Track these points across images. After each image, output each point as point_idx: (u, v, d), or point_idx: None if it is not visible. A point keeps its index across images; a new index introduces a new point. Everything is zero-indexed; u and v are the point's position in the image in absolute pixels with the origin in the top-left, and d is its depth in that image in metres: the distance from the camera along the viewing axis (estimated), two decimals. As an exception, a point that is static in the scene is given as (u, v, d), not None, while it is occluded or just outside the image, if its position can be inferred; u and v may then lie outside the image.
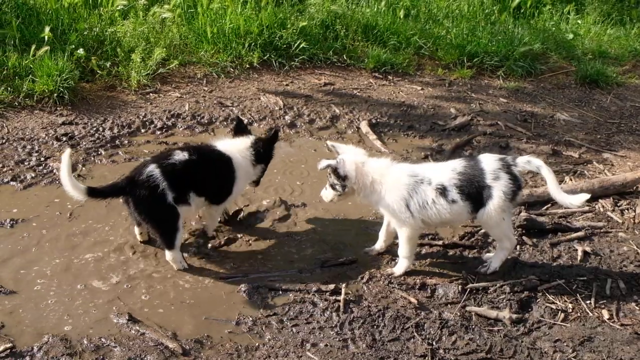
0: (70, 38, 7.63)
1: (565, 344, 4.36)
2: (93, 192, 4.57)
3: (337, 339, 4.28)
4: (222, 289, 4.69)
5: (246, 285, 4.67)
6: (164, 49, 7.95)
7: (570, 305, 4.73)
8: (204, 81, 8.06)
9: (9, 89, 7.07)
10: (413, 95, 8.37)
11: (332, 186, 4.78)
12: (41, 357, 3.97)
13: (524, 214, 5.68)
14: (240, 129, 5.28)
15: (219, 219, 5.36)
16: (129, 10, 8.53)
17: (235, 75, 8.28)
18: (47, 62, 7.08)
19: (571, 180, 6.47)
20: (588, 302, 4.76)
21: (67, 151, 4.43)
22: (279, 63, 8.56)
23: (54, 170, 5.98)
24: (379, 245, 5.15)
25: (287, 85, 8.23)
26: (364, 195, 4.74)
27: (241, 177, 5.10)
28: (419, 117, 7.82)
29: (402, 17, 9.73)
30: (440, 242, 5.34)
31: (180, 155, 4.73)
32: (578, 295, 4.83)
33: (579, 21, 11.56)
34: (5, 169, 5.97)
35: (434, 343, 4.31)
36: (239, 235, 5.30)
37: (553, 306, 4.70)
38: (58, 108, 7.06)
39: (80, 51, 7.48)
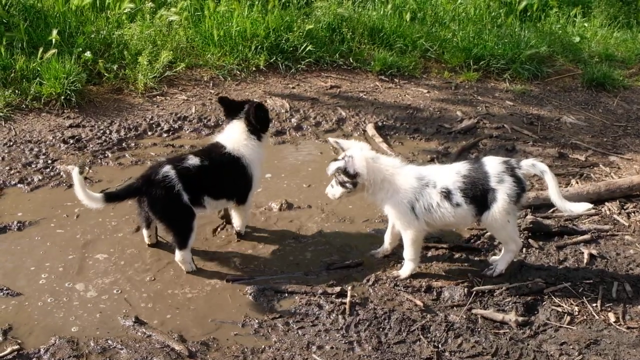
0: (78, 41, 7.67)
1: (571, 347, 4.35)
2: (110, 198, 4.61)
3: (343, 342, 4.28)
4: (228, 291, 4.70)
5: (252, 288, 4.68)
6: (171, 51, 7.97)
7: (576, 308, 4.71)
8: (211, 84, 8.08)
9: (17, 91, 7.11)
10: (419, 98, 8.36)
11: (342, 184, 4.68)
12: (48, 358, 3.99)
13: (530, 217, 5.67)
14: (230, 110, 5.10)
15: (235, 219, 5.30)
16: (136, 13, 8.55)
17: (242, 78, 8.29)
18: (55, 65, 7.11)
19: (577, 183, 6.45)
20: (594, 305, 4.75)
21: (76, 170, 4.46)
22: (285, 66, 8.57)
23: (61, 173, 6.02)
24: (385, 247, 5.14)
25: (293, 88, 8.23)
26: (372, 192, 4.68)
27: (255, 166, 5.03)
28: (425, 120, 7.82)
29: (408, 20, 9.72)
30: (446, 245, 5.33)
31: (194, 161, 4.73)
32: (584, 298, 4.81)
33: (586, 24, 11.52)
34: (12, 172, 6.00)
35: (439, 346, 4.31)
36: (244, 238, 5.31)
37: (559, 309, 4.68)
38: (65, 111, 7.09)
39: (88, 54, 7.50)
